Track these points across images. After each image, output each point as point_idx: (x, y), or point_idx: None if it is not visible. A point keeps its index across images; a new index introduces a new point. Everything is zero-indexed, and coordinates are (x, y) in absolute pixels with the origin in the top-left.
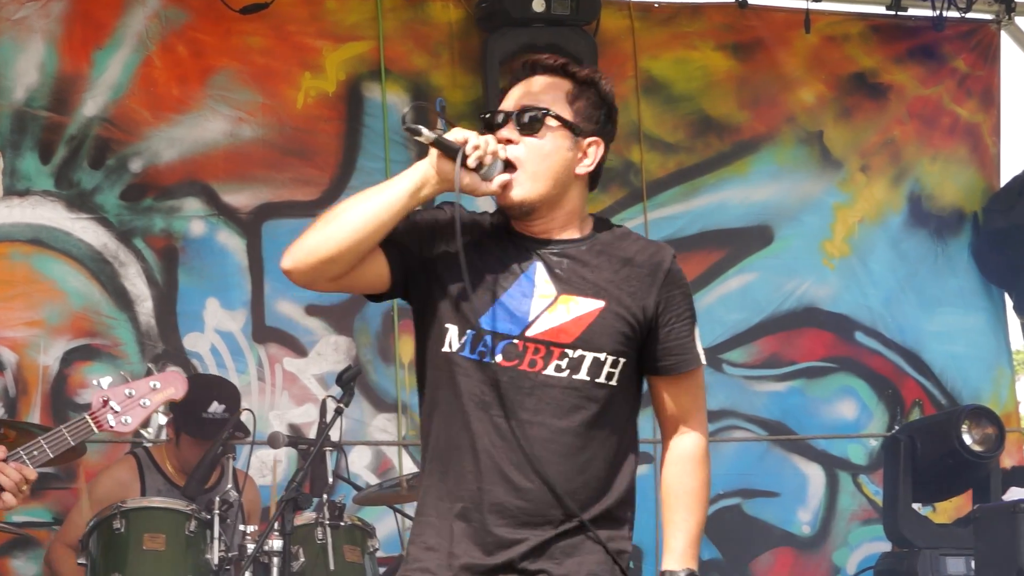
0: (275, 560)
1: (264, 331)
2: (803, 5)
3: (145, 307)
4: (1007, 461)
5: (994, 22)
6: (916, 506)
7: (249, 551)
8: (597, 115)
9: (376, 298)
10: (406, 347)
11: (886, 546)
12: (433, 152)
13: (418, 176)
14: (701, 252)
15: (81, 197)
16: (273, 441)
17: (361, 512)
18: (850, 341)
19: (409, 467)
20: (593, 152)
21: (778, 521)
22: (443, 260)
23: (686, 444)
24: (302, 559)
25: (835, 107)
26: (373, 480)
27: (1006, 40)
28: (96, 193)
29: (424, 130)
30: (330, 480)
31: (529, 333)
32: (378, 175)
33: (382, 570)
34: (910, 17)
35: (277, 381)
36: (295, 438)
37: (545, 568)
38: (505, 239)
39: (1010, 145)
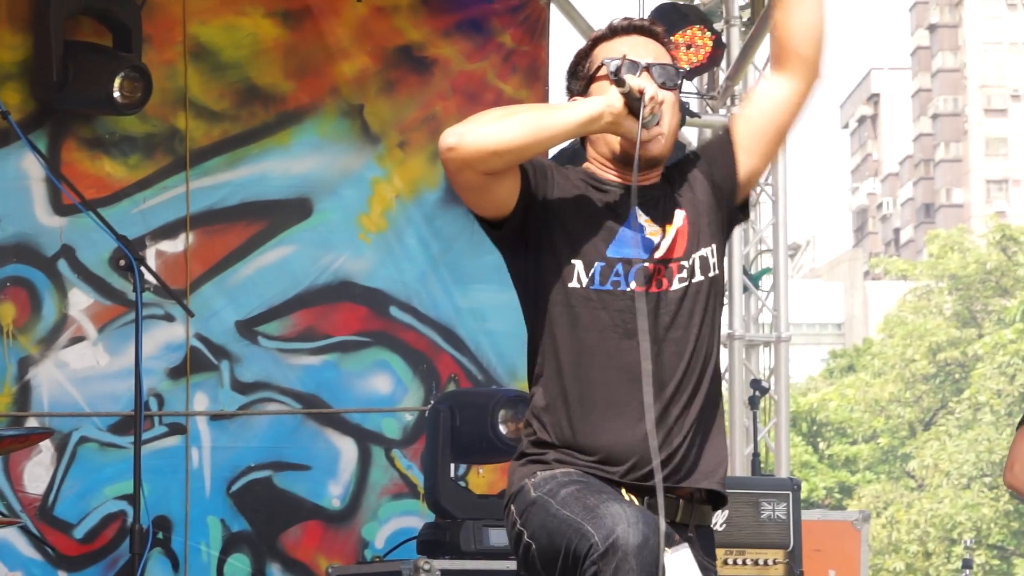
0: None
1: None
2: None
3: None
4: None
5: None
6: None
7: None
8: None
9: (492, 225)
10: None
11: (415, 520)
12: (612, 92)
13: (595, 111)
14: (241, 223)
15: None
16: None
17: None
18: (385, 316)
19: None
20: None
21: (308, 494)
22: (561, 201)
23: None
24: None
25: (379, 80)
26: None
27: (556, 15)
28: None
29: (628, 80)
30: None
31: (656, 256)
32: None
33: None
34: None
35: None
36: None
37: None
38: (599, 189)
39: None
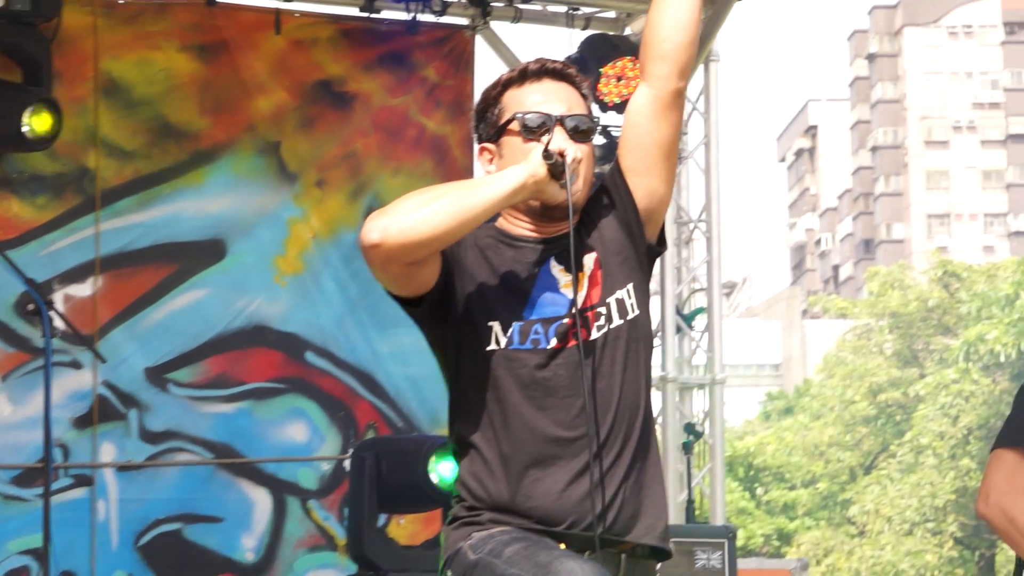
0: None
1: None
2: (275, 4)
3: None
4: None
5: (469, 28)
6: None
7: None
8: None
9: (409, 302)
10: None
11: (332, 573)
12: (534, 159)
13: (518, 181)
14: (152, 266)
15: None
16: None
17: None
18: (300, 361)
19: None
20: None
21: (220, 547)
22: (475, 263)
23: None
24: None
25: (296, 116)
26: None
27: (481, 45)
28: None
29: (552, 149)
30: None
31: (573, 311)
32: None
33: None
34: (383, 21)
35: None
36: None
37: None
38: (511, 246)
39: None
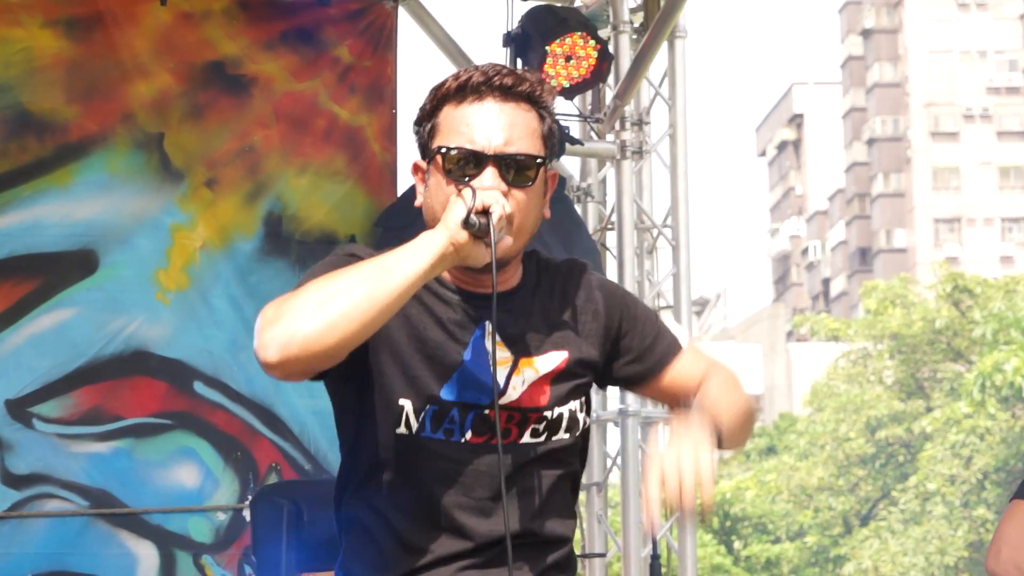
0: None
1: None
2: None
3: None
4: None
5: (391, 0)
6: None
7: None
8: (554, 142)
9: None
10: None
11: None
12: (453, 221)
13: (436, 252)
14: (9, 282)
15: None
16: None
17: None
18: (188, 393)
19: None
20: (549, 186)
21: None
22: (393, 322)
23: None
24: None
25: (183, 104)
26: None
27: (405, 20)
28: None
29: (475, 220)
30: None
31: (501, 401)
32: None
33: None
34: None
35: None
36: None
37: None
38: (441, 300)
39: (410, 150)
